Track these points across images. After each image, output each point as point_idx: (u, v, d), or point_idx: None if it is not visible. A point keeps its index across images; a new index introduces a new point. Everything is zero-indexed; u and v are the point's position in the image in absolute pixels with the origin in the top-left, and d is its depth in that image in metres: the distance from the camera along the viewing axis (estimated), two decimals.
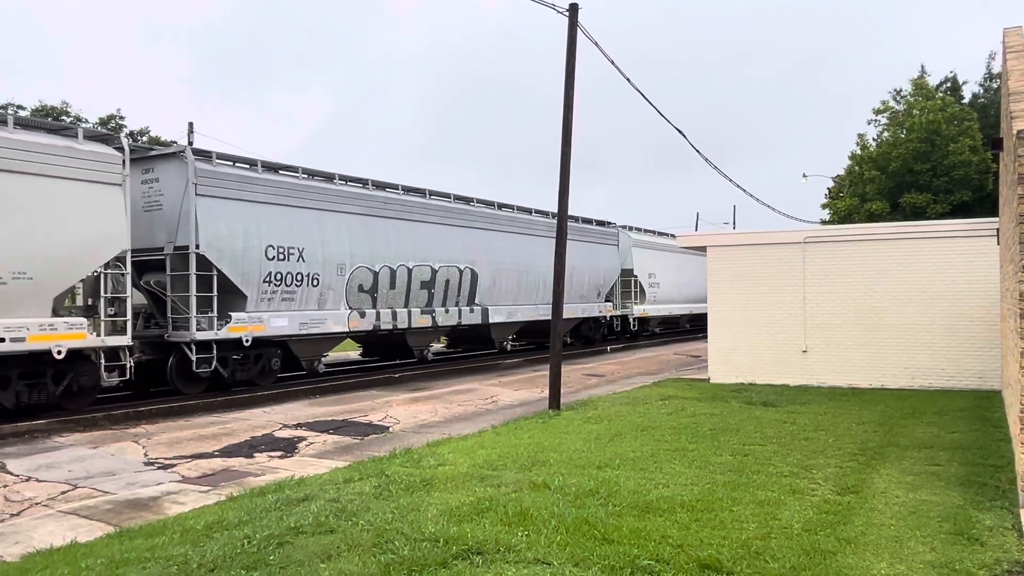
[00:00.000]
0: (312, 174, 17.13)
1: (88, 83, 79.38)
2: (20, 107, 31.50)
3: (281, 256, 15.60)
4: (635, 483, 7.39)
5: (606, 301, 27.74)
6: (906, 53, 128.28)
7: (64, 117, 31.95)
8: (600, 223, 27.86)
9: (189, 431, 11.80)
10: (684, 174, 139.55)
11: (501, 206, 22.70)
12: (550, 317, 21.63)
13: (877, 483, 7.46)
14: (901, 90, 36.19)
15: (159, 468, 9.31)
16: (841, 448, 9.10)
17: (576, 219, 25.60)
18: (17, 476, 8.93)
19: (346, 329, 17.22)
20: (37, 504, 7.71)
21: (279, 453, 10.14)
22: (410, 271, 18.84)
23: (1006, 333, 10.22)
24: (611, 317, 28.48)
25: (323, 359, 17.95)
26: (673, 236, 31.98)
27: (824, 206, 39.28)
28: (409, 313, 18.86)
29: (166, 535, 6.10)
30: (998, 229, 12.63)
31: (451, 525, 6.07)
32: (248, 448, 10.50)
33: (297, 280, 15.99)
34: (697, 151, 19.73)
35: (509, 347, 24.07)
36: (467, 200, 21.30)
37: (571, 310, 24.33)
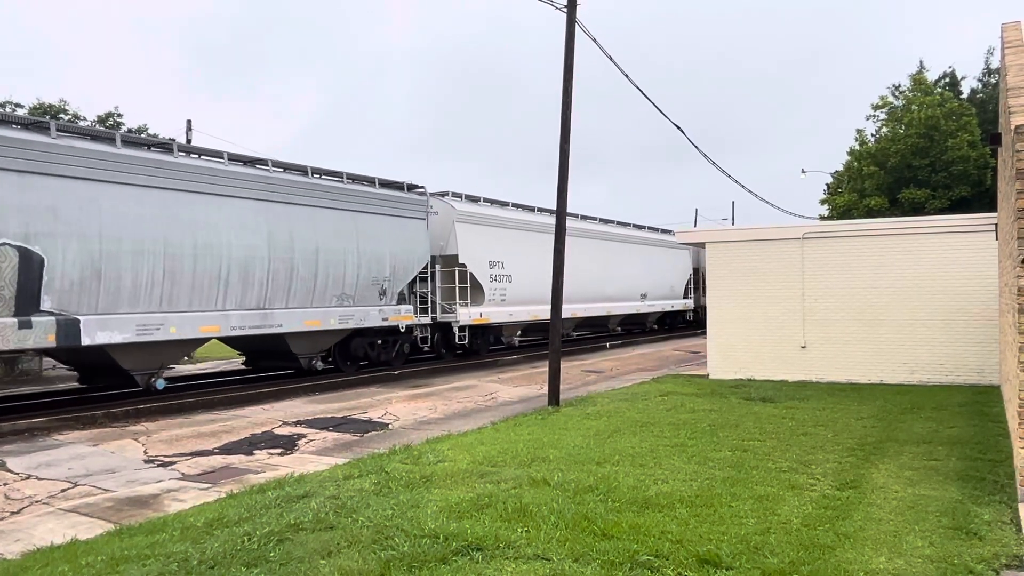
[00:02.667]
0: None
1: (83, 81, 79.22)
2: (18, 105, 31.42)
3: None
4: (634, 479, 7.40)
5: (401, 302, 18.62)
6: (904, 48, 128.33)
7: (62, 116, 31.88)
8: (390, 184, 18.70)
9: (189, 428, 11.81)
10: (682, 170, 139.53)
11: (133, 142, 13.77)
12: (257, 329, 14.74)
13: (876, 478, 7.47)
14: (900, 85, 36.18)
15: (159, 466, 9.32)
16: (840, 443, 9.12)
17: (339, 175, 17.36)
18: (17, 474, 8.94)
19: None
20: (37, 502, 7.72)
21: (279, 450, 10.15)
22: None
23: (1004, 328, 10.23)
24: (413, 327, 19.12)
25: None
26: (546, 211, 24.48)
27: (823, 202, 39.28)
28: None
29: (166, 532, 6.11)
30: (997, 224, 12.64)
31: (451, 521, 6.08)
32: (248, 445, 10.51)
33: None
34: (695, 147, 19.74)
35: (160, 385, 14.03)
36: (39, 126, 12.38)
37: (314, 317, 16.12)
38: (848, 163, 36.99)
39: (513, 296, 22.03)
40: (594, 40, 13.78)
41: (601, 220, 28.44)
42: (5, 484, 8.46)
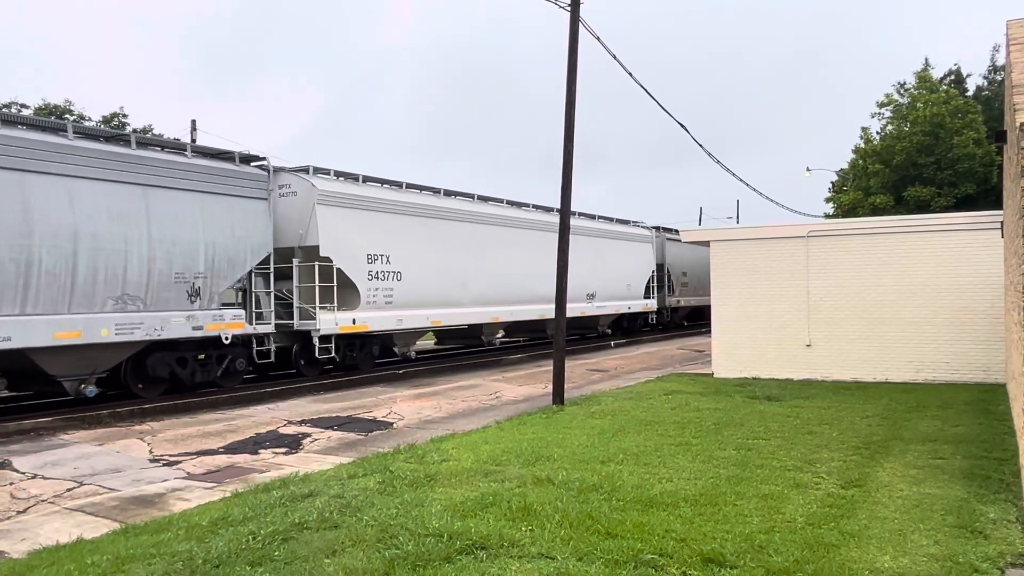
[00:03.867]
0: None
1: (86, 82, 79.42)
2: (23, 106, 31.53)
3: None
4: (639, 478, 7.40)
5: (223, 307, 14.63)
6: (910, 45, 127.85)
7: (67, 116, 31.96)
8: (213, 154, 14.95)
9: (194, 428, 11.84)
10: (687, 169, 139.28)
11: None
12: None
13: (881, 477, 7.46)
14: (905, 83, 36.12)
15: (164, 465, 9.35)
16: (845, 442, 9.11)
17: (123, 138, 13.66)
18: (23, 474, 8.97)
19: None
20: (43, 501, 7.75)
21: (284, 449, 10.18)
22: None
23: (1010, 326, 10.20)
24: (256, 337, 15.26)
25: None
26: (463, 195, 20.83)
27: (828, 200, 39.24)
28: None
29: (171, 531, 6.13)
30: (1002, 222, 12.60)
31: (455, 520, 6.09)
32: (253, 445, 10.54)
33: None
34: (700, 145, 19.73)
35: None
36: None
37: (70, 327, 12.11)
38: (853, 161, 36.94)
39: (405, 298, 17.87)
40: (597, 38, 13.78)
41: (535, 207, 24.17)
42: (11, 483, 8.50)
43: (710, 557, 5.20)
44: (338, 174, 17.43)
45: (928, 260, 14.86)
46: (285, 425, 11.98)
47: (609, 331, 29.34)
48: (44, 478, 8.76)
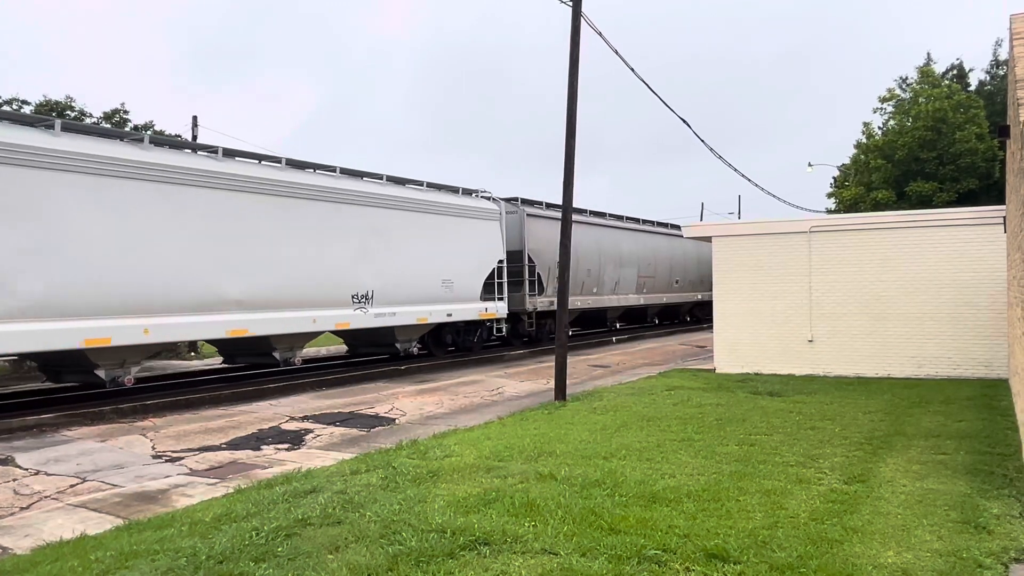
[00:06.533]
0: None
1: (86, 79, 79.22)
2: (24, 102, 31.48)
3: None
4: (641, 473, 7.40)
5: None
6: (912, 39, 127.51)
7: (68, 113, 31.91)
8: None
9: (196, 424, 11.85)
10: (688, 164, 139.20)
11: None
12: None
13: (884, 472, 7.45)
14: (907, 78, 36.07)
15: (167, 461, 9.36)
16: (848, 437, 9.10)
17: None
18: (26, 470, 8.98)
19: None
20: (46, 497, 7.75)
21: (286, 445, 10.18)
22: None
23: (1013, 321, 10.18)
24: None
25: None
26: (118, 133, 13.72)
27: (830, 195, 39.24)
28: None
29: (175, 527, 6.13)
30: (1005, 217, 12.58)
31: (458, 516, 6.09)
32: (255, 441, 10.54)
33: None
34: (702, 140, 19.70)
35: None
36: None
37: None
38: (855, 156, 36.91)
39: (12, 306, 10.90)
40: (599, 34, 13.73)
41: (204, 152, 14.70)
42: (14, 480, 8.51)
43: (713, 553, 5.20)
44: None
45: (930, 255, 14.84)
46: (287, 421, 11.99)
47: (415, 349, 19.70)
48: (47, 474, 8.76)
